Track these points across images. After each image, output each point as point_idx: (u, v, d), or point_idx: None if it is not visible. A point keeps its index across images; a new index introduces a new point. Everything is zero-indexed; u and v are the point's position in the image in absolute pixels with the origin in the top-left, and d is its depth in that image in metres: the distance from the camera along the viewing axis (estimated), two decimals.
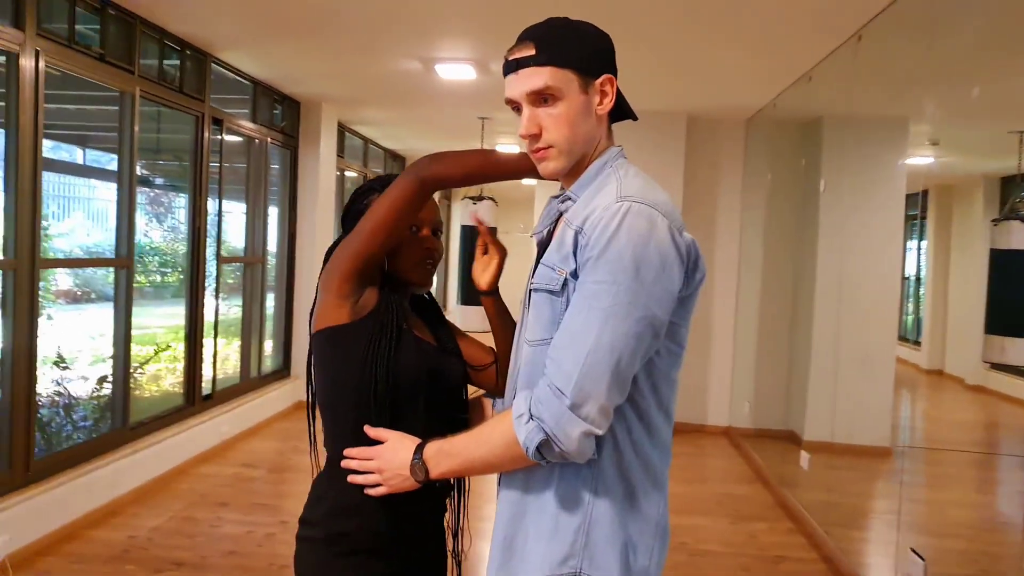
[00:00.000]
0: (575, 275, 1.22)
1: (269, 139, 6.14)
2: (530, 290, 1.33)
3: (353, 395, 1.42)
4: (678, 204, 6.30)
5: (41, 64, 3.54)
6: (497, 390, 1.63)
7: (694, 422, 6.73)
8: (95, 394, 4.82)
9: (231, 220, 6.27)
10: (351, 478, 1.40)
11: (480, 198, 6.82)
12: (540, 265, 1.30)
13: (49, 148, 3.58)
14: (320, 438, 1.55)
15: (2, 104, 3.52)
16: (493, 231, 1.76)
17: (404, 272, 1.55)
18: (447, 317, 1.74)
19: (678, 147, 6.38)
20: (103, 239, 6.11)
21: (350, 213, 1.58)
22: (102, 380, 4.68)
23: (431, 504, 1.53)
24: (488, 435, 1.26)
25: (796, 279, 6.04)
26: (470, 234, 6.87)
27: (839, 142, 5.31)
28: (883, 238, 5.51)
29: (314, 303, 1.50)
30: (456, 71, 5.15)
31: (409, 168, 1.45)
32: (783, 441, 5.76)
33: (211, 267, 5.42)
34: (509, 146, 8.57)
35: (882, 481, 5.48)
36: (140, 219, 4.57)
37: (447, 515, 1.61)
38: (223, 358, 5.82)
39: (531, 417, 1.18)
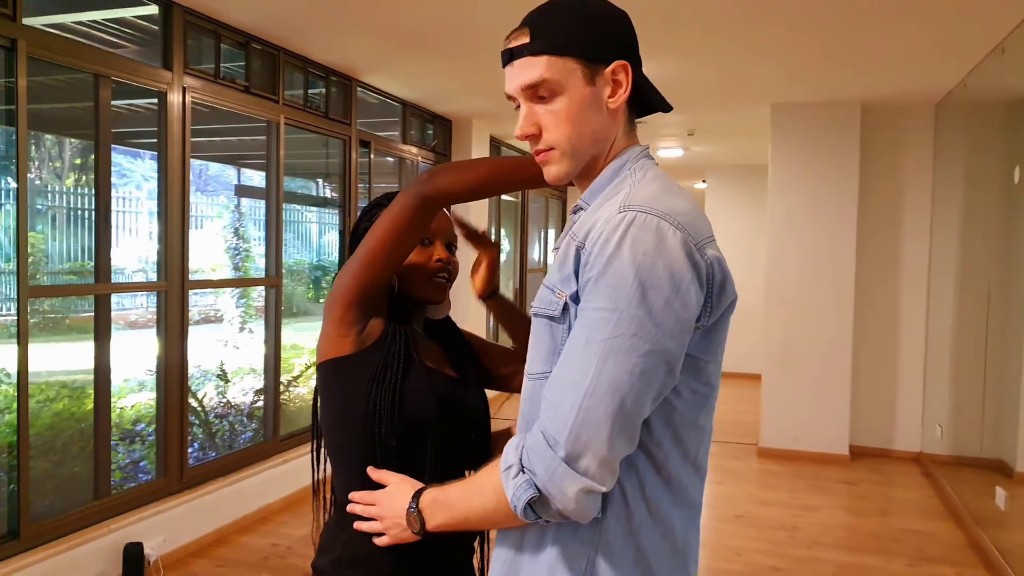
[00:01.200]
0: (576, 299, 1.03)
1: (420, 158, 6.29)
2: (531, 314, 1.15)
3: (358, 432, 1.30)
4: (850, 204, 5.71)
5: (188, 99, 3.81)
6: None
7: (878, 446, 6.03)
8: (253, 406, 5.14)
9: None
10: (356, 524, 1.27)
11: None
12: (542, 286, 1.12)
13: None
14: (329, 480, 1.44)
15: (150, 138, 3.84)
16: (475, 232, 1.57)
17: (415, 291, 1.42)
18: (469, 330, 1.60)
19: (851, 142, 5.77)
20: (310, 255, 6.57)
21: (357, 232, 1.47)
22: (259, 393, 4.98)
23: (453, 550, 1.37)
24: (480, 486, 1.08)
25: (1001, 283, 5.24)
26: None
27: None
28: None
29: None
30: None
31: (410, 184, 1.32)
32: (987, 471, 4.98)
33: None
34: (672, 149, 8.22)
35: None
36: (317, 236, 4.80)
37: (476, 558, 1.45)
38: None
39: (521, 470, 1.01)
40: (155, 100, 3.78)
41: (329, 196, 6.17)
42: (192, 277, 3.89)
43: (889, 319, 6.00)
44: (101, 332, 3.49)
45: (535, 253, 9.58)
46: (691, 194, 1.15)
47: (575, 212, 1.16)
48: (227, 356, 5.57)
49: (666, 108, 1.20)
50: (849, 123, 5.77)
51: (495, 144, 7.64)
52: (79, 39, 3.65)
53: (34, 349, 3.13)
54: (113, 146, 3.51)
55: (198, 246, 6.18)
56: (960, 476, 5.22)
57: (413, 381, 1.32)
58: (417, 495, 1.17)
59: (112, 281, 3.53)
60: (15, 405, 3.73)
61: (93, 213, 3.47)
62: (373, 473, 1.27)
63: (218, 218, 6.57)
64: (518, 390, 1.51)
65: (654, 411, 1.03)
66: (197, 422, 5.13)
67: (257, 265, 5.93)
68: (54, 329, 4.23)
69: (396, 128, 6.06)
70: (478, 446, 1.43)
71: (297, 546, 3.98)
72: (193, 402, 5.18)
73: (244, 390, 5.39)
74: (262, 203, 4.77)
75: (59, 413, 3.93)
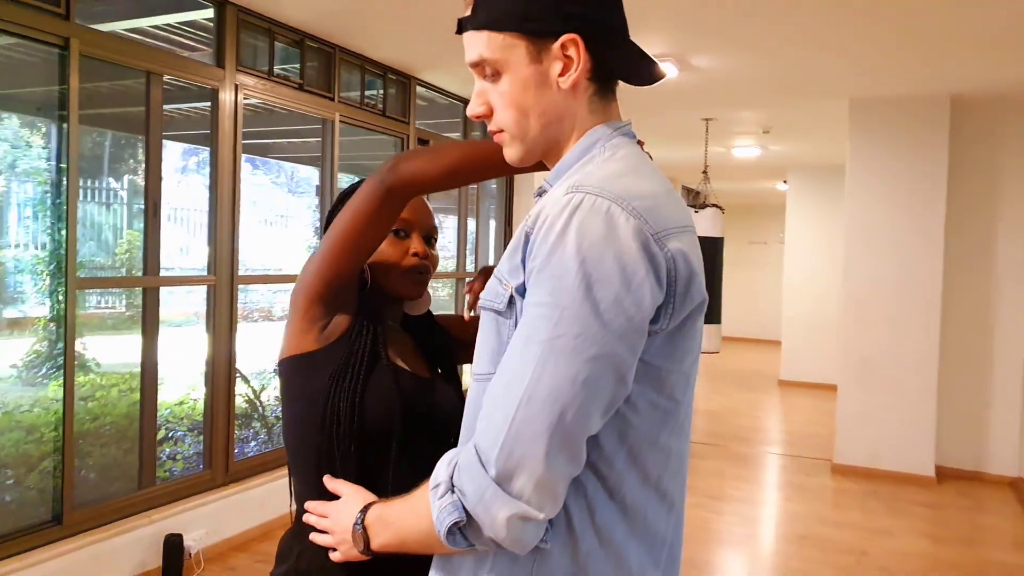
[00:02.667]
0: (522, 291, 0.91)
1: None
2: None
3: (314, 435, 1.20)
4: (937, 206, 5.31)
5: (240, 97, 3.85)
6: None
7: (968, 468, 5.59)
8: None
9: (445, 235, 6.46)
10: (312, 536, 1.16)
11: (704, 205, 6.33)
12: (492, 275, 1.00)
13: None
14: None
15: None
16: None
17: (390, 286, 1.32)
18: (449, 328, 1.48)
19: (938, 138, 5.38)
20: None
21: (330, 220, 1.38)
22: None
23: (412, 570, 1.27)
24: (416, 503, 0.95)
25: None
26: (708, 247, 6.37)
27: None
28: None
29: None
30: None
31: (375, 171, 1.22)
32: None
33: None
34: (749, 148, 7.91)
35: None
36: None
37: None
38: None
39: (450, 489, 0.89)
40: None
41: None
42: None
43: (981, 328, 5.57)
44: (149, 325, 3.55)
45: None
46: (664, 176, 1.01)
47: (538, 195, 1.05)
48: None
49: (647, 80, 1.07)
50: (937, 118, 5.38)
51: None
52: (132, 36, 3.74)
53: (120, 340, 3.18)
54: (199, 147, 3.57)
55: (284, 245, 6.32)
56: None
57: (376, 381, 1.21)
58: (365, 510, 1.05)
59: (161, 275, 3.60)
60: (100, 394, 3.90)
61: (143, 208, 3.54)
62: (328, 482, 1.17)
63: (303, 219, 6.73)
64: None
65: (606, 426, 0.90)
66: (256, 416, 5.21)
67: None
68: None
69: (458, 129, 6.02)
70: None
71: None
72: (251, 395, 5.26)
73: None
74: None
75: (136, 403, 4.05)
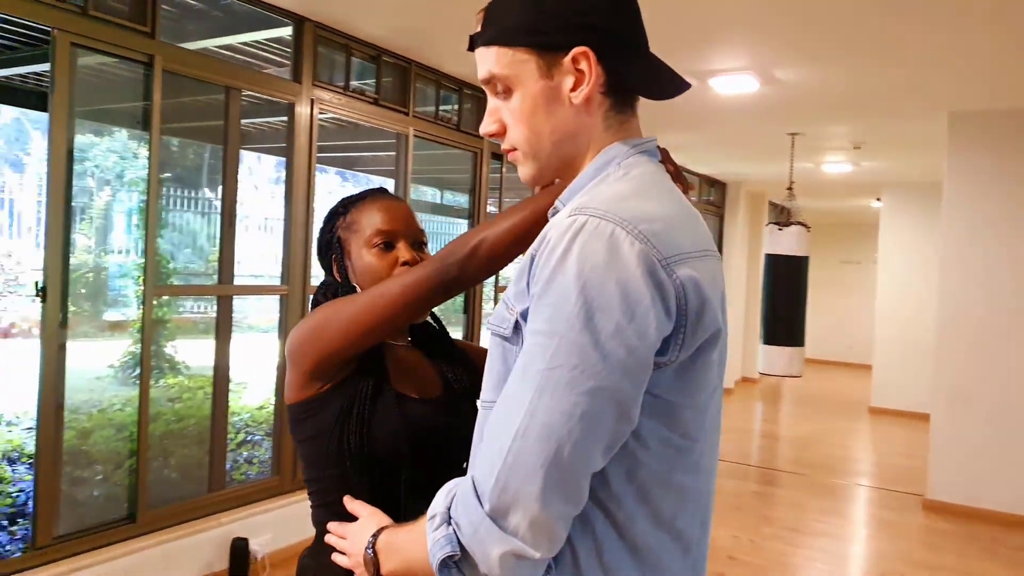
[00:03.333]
0: (526, 316, 0.88)
1: None
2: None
3: (329, 470, 1.22)
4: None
5: (315, 111, 3.94)
6: None
7: None
8: None
9: None
10: (333, 556, 1.15)
11: (788, 224, 6.10)
12: (500, 299, 0.99)
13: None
14: None
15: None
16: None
17: None
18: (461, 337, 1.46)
19: None
20: None
21: (320, 246, 1.37)
22: None
23: None
24: (421, 533, 0.91)
25: None
26: (780, 264, 6.17)
27: None
28: None
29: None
30: (734, 84, 4.66)
31: (437, 258, 1.15)
32: None
33: (488, 291, 5.59)
34: (840, 164, 7.61)
35: None
36: None
37: None
38: None
39: (447, 520, 0.86)
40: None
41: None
42: None
43: None
44: (222, 331, 3.65)
45: None
46: (682, 198, 0.95)
47: (553, 213, 1.00)
48: None
49: (668, 93, 1.00)
50: None
51: None
52: (213, 50, 3.88)
53: (210, 344, 3.34)
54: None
55: None
56: None
57: (382, 412, 1.20)
58: (377, 534, 1.03)
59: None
60: (187, 396, 4.06)
61: (219, 217, 3.65)
62: (348, 503, 1.16)
63: None
64: None
65: (612, 463, 0.85)
66: None
67: None
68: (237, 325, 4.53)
69: None
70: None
71: None
72: None
73: None
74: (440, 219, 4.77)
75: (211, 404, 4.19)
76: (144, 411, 3.30)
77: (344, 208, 1.35)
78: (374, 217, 1.31)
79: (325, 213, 1.40)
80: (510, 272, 4.47)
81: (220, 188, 3.69)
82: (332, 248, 1.34)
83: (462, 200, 6.56)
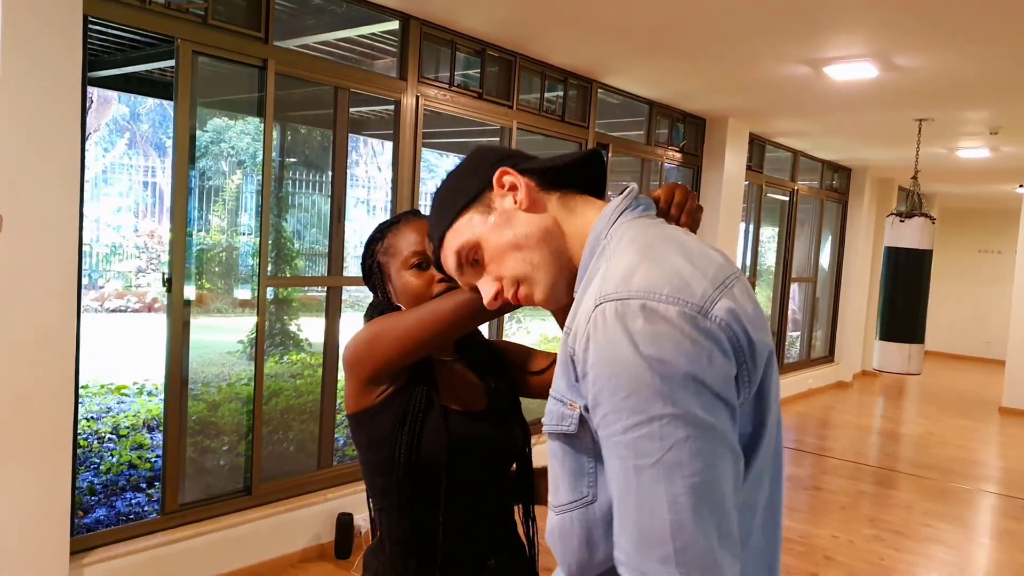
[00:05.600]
0: (589, 410, 0.89)
1: (666, 159, 6.10)
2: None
3: (382, 476, 1.34)
4: None
5: (420, 106, 4.07)
6: None
7: None
8: None
9: None
10: None
11: (910, 215, 5.77)
12: (550, 398, 0.98)
13: None
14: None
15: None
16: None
17: None
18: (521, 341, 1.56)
19: None
20: None
21: (364, 272, 1.47)
22: None
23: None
24: None
25: None
26: (900, 258, 5.85)
27: None
28: None
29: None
30: (851, 71, 4.45)
31: None
32: None
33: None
34: (976, 150, 7.11)
35: None
36: None
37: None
38: None
39: None
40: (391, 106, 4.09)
41: None
42: None
43: None
44: (331, 314, 3.86)
45: (801, 258, 8.85)
46: (680, 233, 0.96)
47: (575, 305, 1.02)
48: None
49: (589, 166, 1.09)
50: None
51: (755, 142, 7.18)
52: (322, 53, 4.06)
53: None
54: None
55: None
56: None
57: (431, 426, 1.30)
58: None
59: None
60: (308, 372, 4.32)
61: (328, 212, 3.85)
62: None
63: None
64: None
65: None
66: None
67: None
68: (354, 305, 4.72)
69: (642, 128, 5.94)
70: (513, 478, 1.43)
71: None
72: None
73: None
74: None
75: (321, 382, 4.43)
76: (259, 387, 3.54)
77: (381, 234, 1.43)
78: (409, 239, 1.39)
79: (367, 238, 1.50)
80: None
81: (330, 178, 3.87)
82: (374, 272, 1.43)
83: None
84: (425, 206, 4.58)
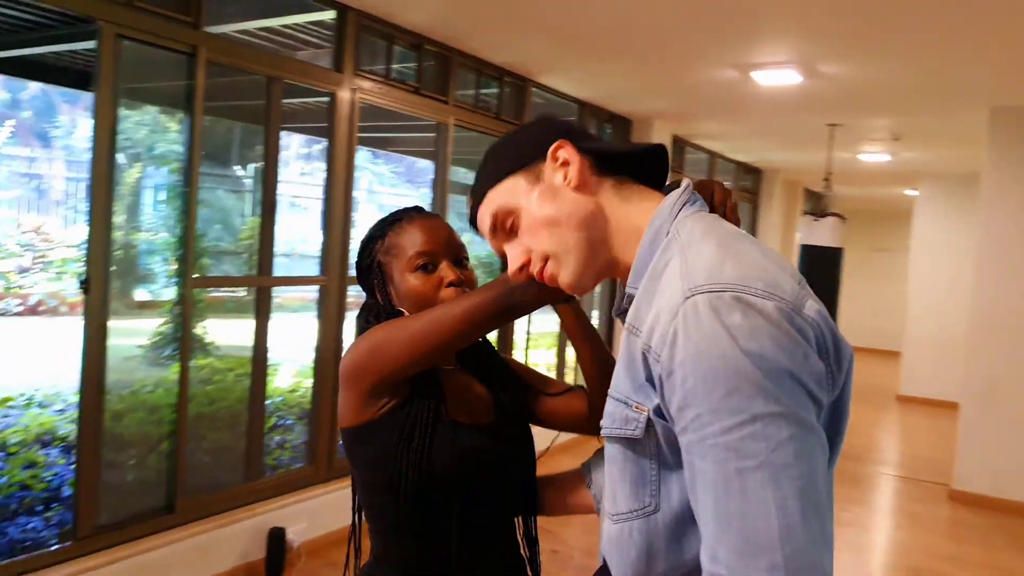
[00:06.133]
0: (660, 413, 0.85)
1: None
2: (604, 435, 0.95)
3: (385, 496, 1.22)
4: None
5: (357, 100, 3.92)
6: (578, 423, 1.34)
7: None
8: None
9: None
10: None
11: (823, 215, 6.02)
12: (608, 397, 0.93)
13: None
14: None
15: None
16: None
17: None
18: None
19: None
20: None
21: (360, 271, 1.35)
22: None
23: None
24: None
25: None
26: (815, 255, 6.10)
27: None
28: None
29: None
30: (776, 77, 4.59)
31: (500, 280, 1.16)
32: None
33: None
34: (877, 154, 7.49)
35: None
36: None
37: None
38: None
39: None
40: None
41: None
42: None
43: None
44: (261, 318, 3.66)
45: None
46: (748, 235, 0.92)
47: (628, 300, 0.97)
48: None
49: (656, 169, 1.03)
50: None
51: (677, 143, 7.32)
52: (256, 40, 3.86)
53: (239, 324, 3.25)
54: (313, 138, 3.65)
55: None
56: None
57: (439, 443, 1.20)
58: None
59: (285, 268, 3.71)
60: (217, 378, 4.06)
61: (260, 207, 3.65)
62: None
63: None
64: (561, 419, 1.38)
65: None
66: None
67: None
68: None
69: None
70: (521, 491, 1.33)
71: None
72: None
73: None
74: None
75: (248, 389, 4.18)
76: (184, 394, 3.30)
77: (381, 232, 1.32)
78: (414, 238, 1.28)
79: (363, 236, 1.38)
80: None
81: (255, 170, 3.67)
82: (373, 273, 1.32)
83: None
84: (361, 205, 4.42)
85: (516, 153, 1.02)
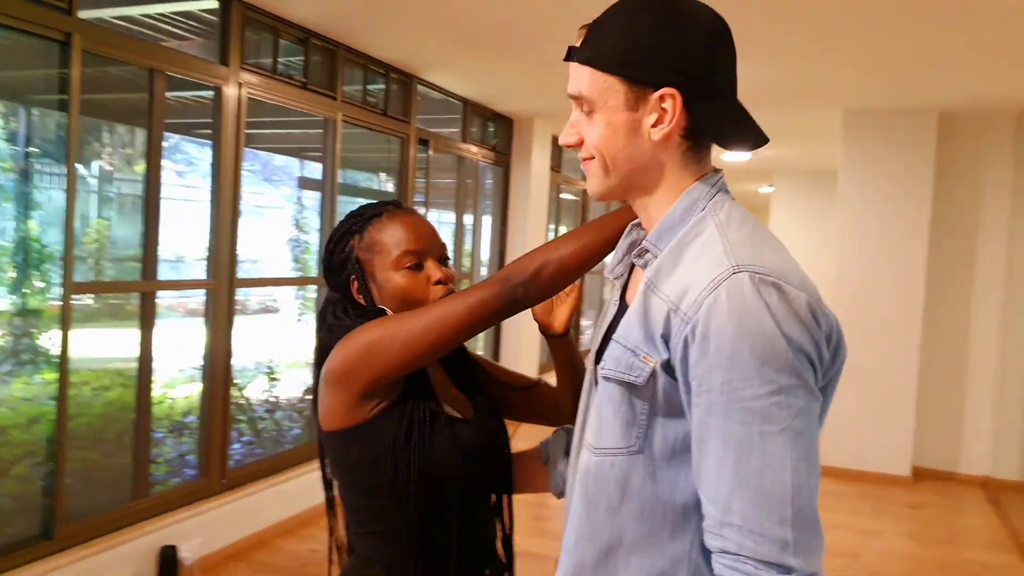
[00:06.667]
0: (669, 369, 0.91)
1: (480, 157, 6.18)
2: (599, 375, 1.00)
3: (378, 496, 1.19)
4: (923, 216, 5.42)
5: (243, 94, 3.75)
6: (542, 417, 1.41)
7: (943, 468, 5.70)
8: (301, 403, 5.10)
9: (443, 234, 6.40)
10: None
11: None
12: (613, 342, 0.97)
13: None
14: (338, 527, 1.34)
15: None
16: None
17: None
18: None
19: (926, 151, 5.44)
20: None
21: (331, 266, 1.30)
22: (308, 391, 4.93)
23: None
24: None
25: None
26: None
27: None
28: None
29: (316, 384, 1.24)
30: None
31: (500, 277, 1.14)
32: None
33: None
34: (738, 153, 7.93)
35: None
36: None
37: None
38: None
39: None
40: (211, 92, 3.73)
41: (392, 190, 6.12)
42: (251, 266, 3.82)
43: (959, 335, 5.68)
44: (146, 326, 3.44)
45: None
46: (768, 230, 1.02)
47: (639, 254, 1.02)
48: (282, 348, 5.55)
49: (744, 147, 1.04)
50: (925, 132, 5.46)
51: (555, 142, 7.48)
52: (136, 29, 3.63)
53: (94, 334, 3.02)
54: (181, 136, 3.45)
55: (259, 236, 6.19)
56: None
57: (439, 440, 1.19)
58: None
59: (161, 272, 3.50)
60: (73, 393, 3.70)
61: (143, 209, 3.43)
62: None
63: (282, 209, 6.55)
64: (530, 411, 1.42)
65: None
66: (244, 418, 5.09)
67: (316, 258, 5.89)
68: (116, 314, 4.17)
69: (457, 125, 5.96)
70: (503, 480, 1.35)
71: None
72: (237, 395, 5.15)
73: (296, 385, 5.36)
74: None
75: (112, 402, 3.88)
76: (62, 410, 3.05)
77: (359, 227, 1.27)
78: (397, 235, 1.25)
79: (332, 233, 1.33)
80: None
81: (94, 164, 3.42)
82: (350, 270, 1.27)
83: (372, 180, 6.44)
84: (247, 209, 4.22)
85: (638, 61, 0.95)
